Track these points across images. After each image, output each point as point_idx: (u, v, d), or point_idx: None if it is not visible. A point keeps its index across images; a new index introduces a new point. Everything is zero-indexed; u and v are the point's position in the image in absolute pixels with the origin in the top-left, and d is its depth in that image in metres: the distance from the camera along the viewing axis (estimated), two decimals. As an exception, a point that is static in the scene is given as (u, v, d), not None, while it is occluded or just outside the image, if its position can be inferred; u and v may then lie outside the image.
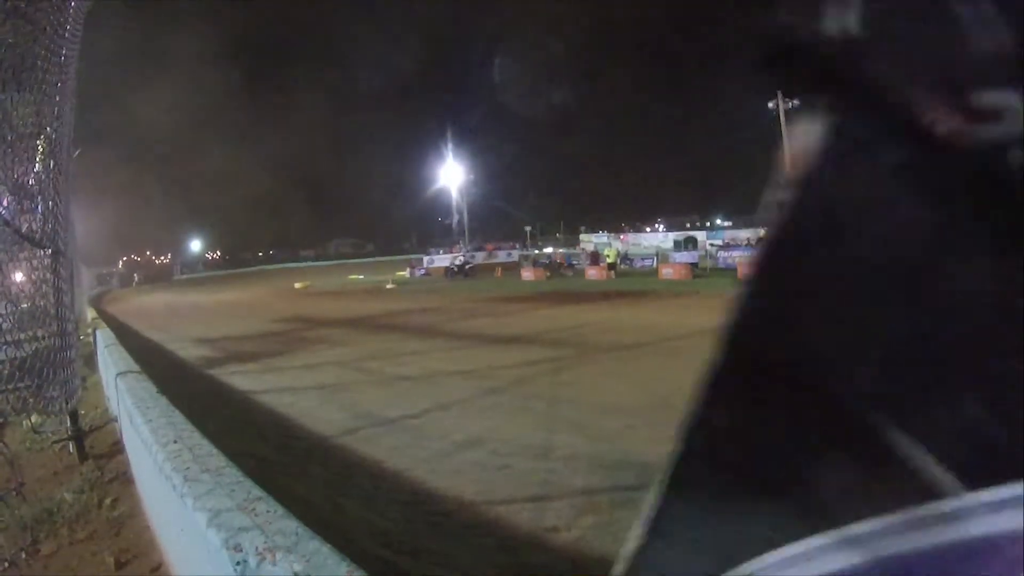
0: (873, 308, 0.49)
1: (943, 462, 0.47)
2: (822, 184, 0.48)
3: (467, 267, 48.99)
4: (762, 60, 0.48)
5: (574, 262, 45.02)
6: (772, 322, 0.54)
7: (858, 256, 0.48)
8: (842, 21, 0.44)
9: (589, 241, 66.07)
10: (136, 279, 46.88)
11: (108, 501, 5.17)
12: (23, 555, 4.27)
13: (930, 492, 0.47)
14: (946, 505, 0.47)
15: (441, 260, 54.07)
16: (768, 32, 0.48)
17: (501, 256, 53.51)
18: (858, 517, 0.53)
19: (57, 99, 6.00)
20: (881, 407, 0.50)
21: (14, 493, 5.12)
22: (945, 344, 0.46)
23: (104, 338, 10.65)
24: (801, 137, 0.49)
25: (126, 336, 15.38)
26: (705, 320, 15.54)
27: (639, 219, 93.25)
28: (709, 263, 34.08)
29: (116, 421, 6.93)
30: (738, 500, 0.64)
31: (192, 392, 9.76)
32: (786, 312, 0.53)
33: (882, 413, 0.50)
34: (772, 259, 0.52)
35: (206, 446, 3.25)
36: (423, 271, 53.54)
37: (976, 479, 0.46)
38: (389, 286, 40.54)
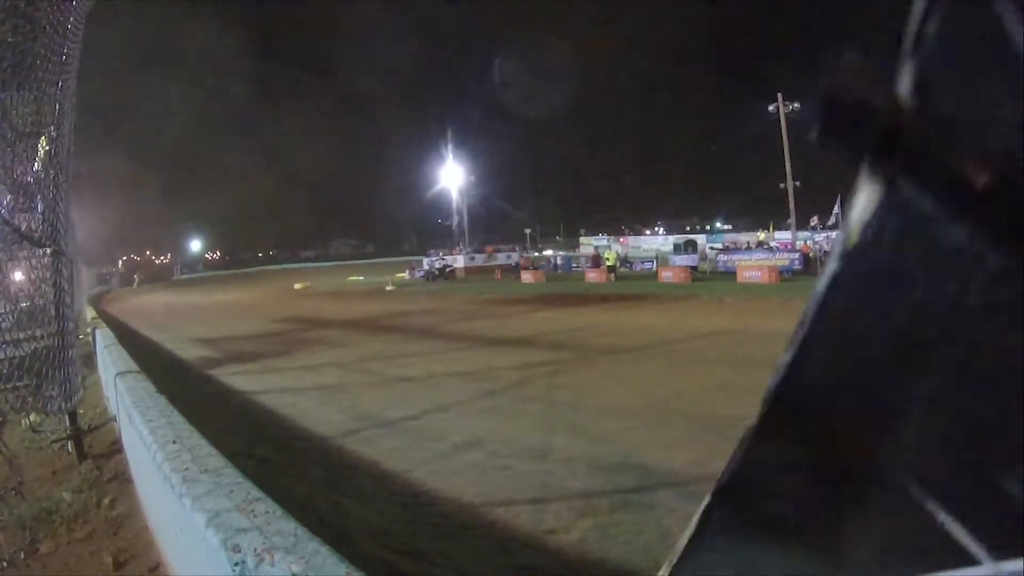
0: (914, 380, 0.49)
1: (974, 530, 0.48)
2: (874, 256, 0.48)
3: (447, 270, 49.13)
4: (823, 125, 0.48)
5: (574, 264, 45.04)
6: (816, 386, 0.56)
7: (903, 330, 0.48)
8: (901, 86, 0.44)
9: (589, 244, 66.14)
10: (137, 280, 45.40)
11: (107, 501, 5.15)
12: (22, 555, 4.26)
13: (959, 559, 0.48)
14: (973, 572, 0.47)
15: (441, 262, 53.98)
16: (830, 94, 0.47)
17: (501, 258, 53.31)
18: None
19: (57, 98, 5.99)
20: (915, 473, 0.51)
21: (13, 492, 5.11)
22: (982, 417, 0.47)
23: (103, 338, 10.64)
24: (859, 205, 0.49)
25: (125, 336, 15.37)
26: (704, 323, 15.57)
27: (639, 222, 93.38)
28: (708, 266, 34.10)
29: (115, 421, 6.92)
30: (767, 552, 0.65)
31: (192, 392, 9.76)
32: (829, 376, 0.55)
33: (916, 479, 0.51)
34: (819, 324, 0.53)
35: (205, 446, 3.24)
36: (422, 273, 53.50)
37: (1005, 549, 0.46)
38: (389, 287, 40.53)
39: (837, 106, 0.46)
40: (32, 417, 6.51)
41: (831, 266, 0.50)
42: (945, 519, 0.48)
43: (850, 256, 0.49)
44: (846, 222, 0.49)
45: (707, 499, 0.66)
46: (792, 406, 0.56)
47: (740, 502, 0.65)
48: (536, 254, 58.10)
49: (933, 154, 0.43)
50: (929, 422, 0.49)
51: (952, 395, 0.47)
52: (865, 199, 0.47)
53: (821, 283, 0.51)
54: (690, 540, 0.69)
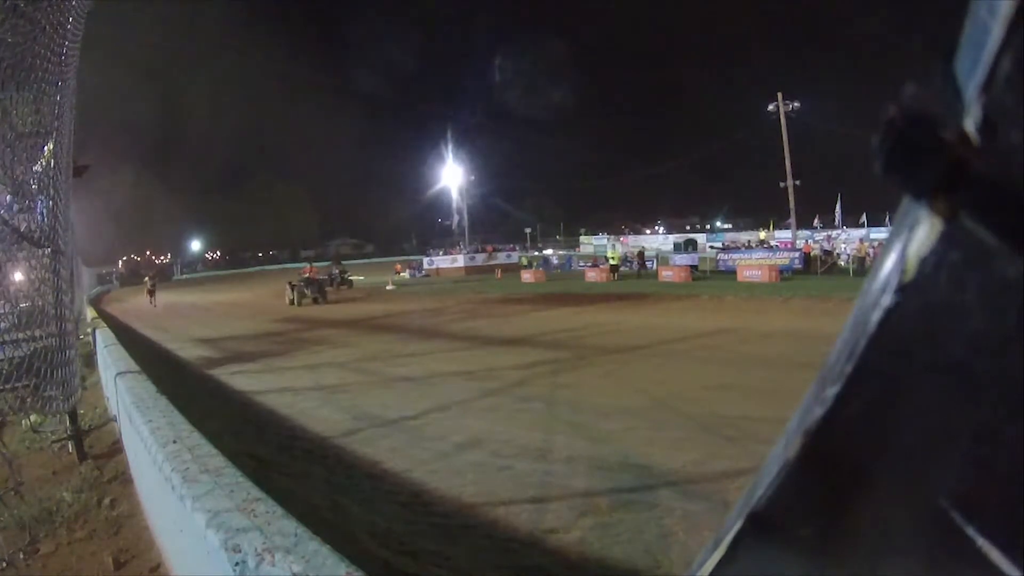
0: (966, 411, 0.50)
1: (1014, 555, 0.49)
2: (931, 290, 0.49)
3: (339, 276, 37.52)
4: (886, 159, 0.48)
5: (573, 265, 45.00)
6: (863, 418, 0.56)
7: (957, 363, 0.49)
8: (969, 120, 0.45)
9: (589, 243, 66.29)
10: (150, 282, 40.32)
11: (107, 501, 5.16)
12: (21, 555, 4.26)
13: None
14: None
15: (442, 261, 53.98)
16: (894, 127, 0.47)
17: (501, 258, 53.32)
18: None
19: (57, 98, 5.99)
20: (958, 500, 0.52)
21: (13, 492, 5.11)
22: None
23: (103, 338, 10.64)
24: (917, 239, 0.49)
25: (125, 336, 15.37)
26: (705, 323, 15.58)
27: (639, 221, 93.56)
28: (709, 266, 34.10)
29: (115, 421, 6.92)
30: None
31: (192, 392, 9.77)
32: (878, 409, 0.55)
33: (958, 505, 0.52)
34: (870, 357, 0.53)
35: (205, 446, 3.25)
36: (423, 272, 53.54)
37: None
38: (389, 287, 40.51)
39: (902, 139, 0.46)
40: (32, 417, 6.51)
41: (885, 299, 0.50)
42: (984, 543, 0.48)
43: (906, 290, 0.49)
44: (902, 255, 0.49)
45: (739, 524, 0.66)
46: (837, 438, 0.57)
47: (775, 529, 0.65)
48: (536, 253, 58.18)
49: (998, 189, 0.43)
50: (977, 451, 0.49)
51: (1004, 425, 0.47)
52: (924, 233, 0.47)
53: (874, 316, 0.51)
54: (719, 565, 0.70)
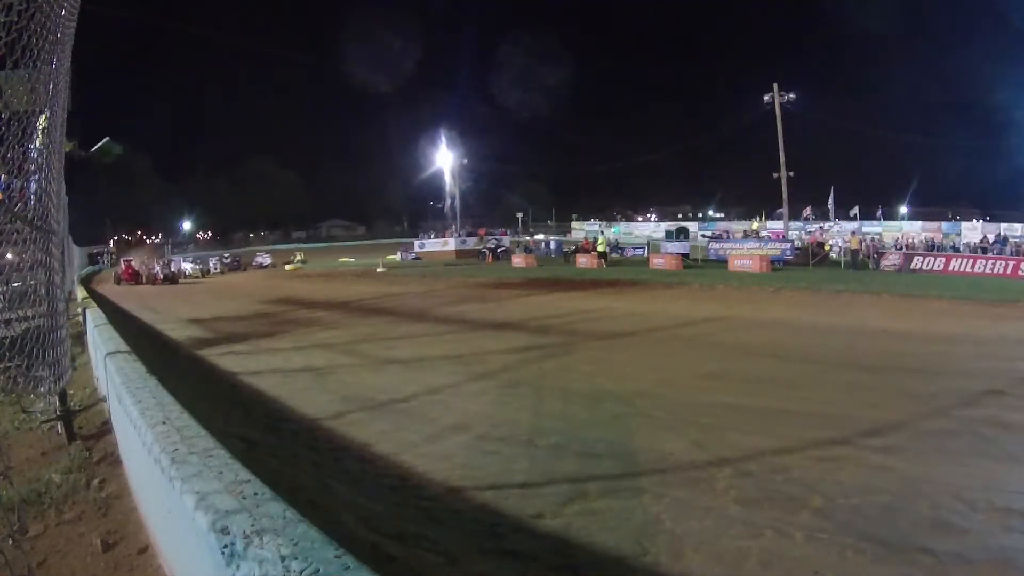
0: None
1: None
2: None
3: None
4: None
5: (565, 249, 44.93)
6: None
7: None
8: None
9: (581, 229, 66.23)
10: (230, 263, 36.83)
11: (96, 482, 5.15)
12: (10, 540, 4.26)
13: None
14: None
15: (432, 244, 53.93)
16: None
17: (492, 242, 53.36)
18: None
19: (52, 77, 5.94)
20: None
21: (1, 477, 5.10)
22: None
23: (94, 318, 10.60)
24: None
25: (116, 316, 15.30)
26: (694, 311, 15.65)
27: (631, 208, 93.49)
28: (700, 254, 34.19)
29: (105, 401, 6.91)
30: None
31: (181, 373, 9.75)
32: None
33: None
34: None
35: (194, 427, 3.25)
36: (413, 255, 53.43)
37: None
38: (380, 269, 40.46)
39: None
40: (22, 397, 6.49)
41: None
42: None
43: None
44: None
45: None
46: None
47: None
48: (527, 238, 58.26)
49: None
50: None
51: None
52: None
53: None
54: None
